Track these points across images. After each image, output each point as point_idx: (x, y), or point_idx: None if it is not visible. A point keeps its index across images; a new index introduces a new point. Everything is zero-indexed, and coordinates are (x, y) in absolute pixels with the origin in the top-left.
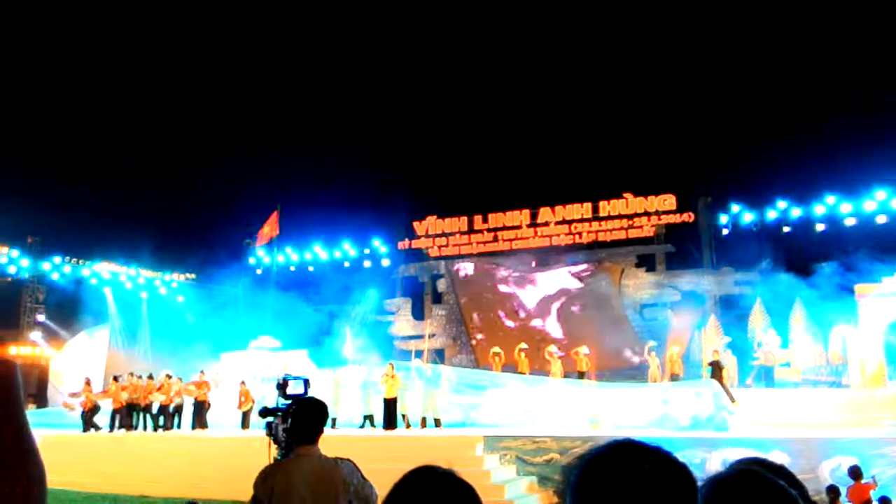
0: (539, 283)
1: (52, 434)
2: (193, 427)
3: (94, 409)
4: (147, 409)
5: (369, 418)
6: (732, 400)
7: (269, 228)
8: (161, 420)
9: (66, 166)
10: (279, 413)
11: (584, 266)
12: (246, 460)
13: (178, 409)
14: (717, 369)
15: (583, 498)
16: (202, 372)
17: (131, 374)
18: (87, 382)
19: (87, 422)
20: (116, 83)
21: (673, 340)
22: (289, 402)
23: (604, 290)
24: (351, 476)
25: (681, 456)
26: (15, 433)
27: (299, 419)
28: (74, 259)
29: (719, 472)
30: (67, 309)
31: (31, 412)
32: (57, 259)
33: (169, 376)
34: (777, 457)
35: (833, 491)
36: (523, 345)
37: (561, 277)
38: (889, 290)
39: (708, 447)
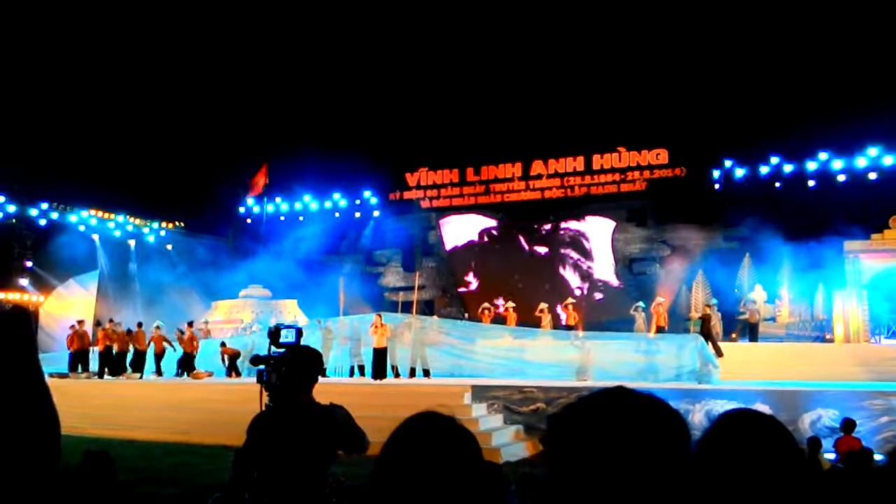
0: (528, 235)
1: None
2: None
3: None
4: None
5: (359, 368)
6: (719, 353)
7: (260, 179)
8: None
9: (52, 113)
10: (271, 361)
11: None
12: (237, 407)
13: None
14: (706, 322)
15: (575, 443)
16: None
17: (111, 321)
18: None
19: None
20: (107, 28)
21: (660, 294)
22: (280, 350)
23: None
24: (344, 422)
25: None
26: (33, 375)
27: (295, 368)
28: (61, 205)
29: (721, 412)
30: (55, 255)
31: None
32: (44, 205)
33: (140, 325)
34: (759, 409)
35: (814, 444)
36: (511, 303)
37: (550, 230)
38: (877, 247)
39: (691, 399)
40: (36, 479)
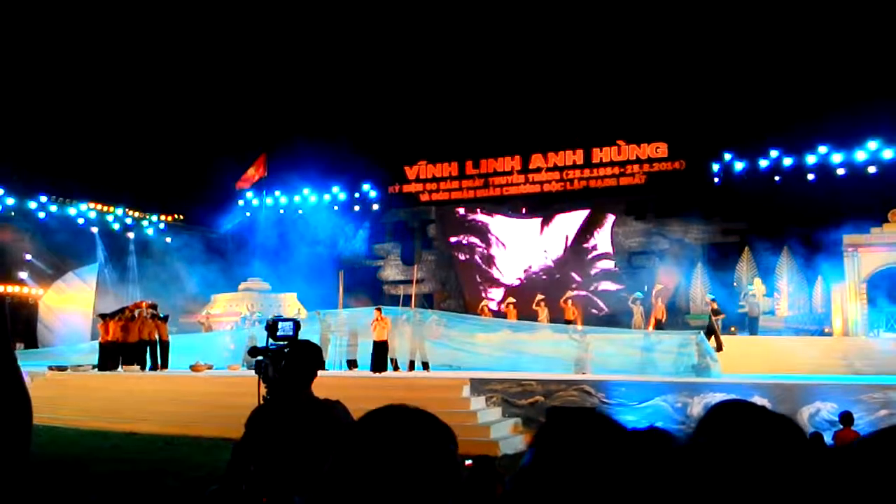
0: (528, 230)
1: (42, 372)
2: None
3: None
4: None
5: (355, 362)
6: (719, 347)
7: (255, 170)
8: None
9: (51, 105)
10: (269, 353)
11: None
12: (236, 400)
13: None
14: (714, 315)
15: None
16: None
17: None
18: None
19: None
20: (106, 22)
21: (659, 288)
22: (279, 343)
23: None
24: (342, 417)
25: (662, 400)
26: (3, 359)
27: (294, 361)
28: (60, 198)
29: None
30: (54, 248)
31: (20, 352)
32: (43, 198)
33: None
34: (757, 402)
35: (817, 439)
36: (511, 299)
37: (552, 225)
38: (876, 240)
39: (690, 392)
40: (5, 465)
